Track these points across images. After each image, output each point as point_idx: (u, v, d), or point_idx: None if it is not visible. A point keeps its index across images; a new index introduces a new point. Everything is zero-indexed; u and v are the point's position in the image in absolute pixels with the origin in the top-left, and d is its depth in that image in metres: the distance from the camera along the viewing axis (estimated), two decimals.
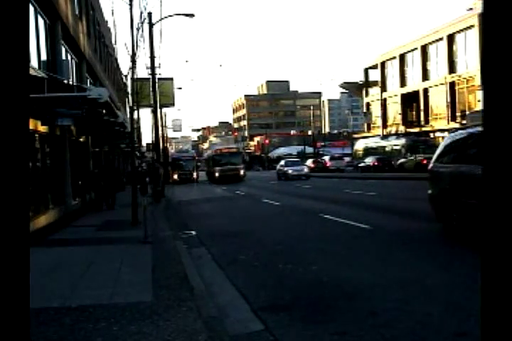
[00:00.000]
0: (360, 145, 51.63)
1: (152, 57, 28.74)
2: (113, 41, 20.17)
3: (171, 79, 46.20)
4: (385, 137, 47.85)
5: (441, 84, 44.30)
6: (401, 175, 34.78)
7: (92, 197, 22.01)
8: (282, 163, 47.12)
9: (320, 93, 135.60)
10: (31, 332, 4.73)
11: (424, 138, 43.52)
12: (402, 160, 40.07)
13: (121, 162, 44.90)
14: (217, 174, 46.11)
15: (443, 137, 45.23)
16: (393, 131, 52.16)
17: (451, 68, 43.39)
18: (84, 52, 21.31)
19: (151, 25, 27.33)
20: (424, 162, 35.83)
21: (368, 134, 57.25)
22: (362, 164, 45.28)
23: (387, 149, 44.21)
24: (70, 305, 6.10)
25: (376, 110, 56.35)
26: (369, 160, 43.79)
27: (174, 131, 70.08)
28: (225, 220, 15.95)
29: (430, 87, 46.85)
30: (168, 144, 64.09)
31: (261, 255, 9.49)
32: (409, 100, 49.94)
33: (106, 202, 20.34)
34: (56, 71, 15.89)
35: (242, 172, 46.67)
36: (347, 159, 55.32)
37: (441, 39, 44.53)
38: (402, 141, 42.49)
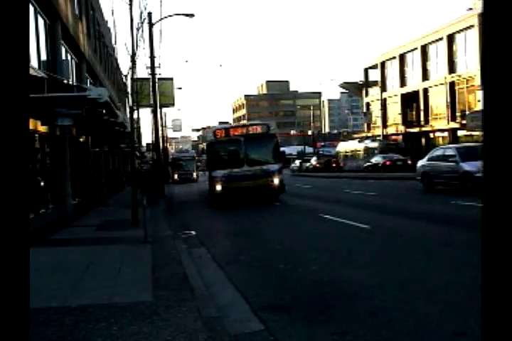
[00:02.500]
0: (341, 148, 55.44)
1: (152, 57, 28.75)
2: (113, 41, 20.18)
3: (171, 79, 46.21)
4: (361, 140, 51.84)
5: (441, 84, 44.27)
6: (397, 175, 35.21)
7: (90, 196, 22.02)
8: (449, 151, 20.25)
9: (320, 93, 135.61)
10: (31, 332, 4.73)
11: (395, 141, 48.58)
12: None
13: (122, 162, 44.88)
14: (218, 187, 20.10)
15: (443, 137, 45.64)
16: (393, 131, 52.22)
17: (451, 68, 43.36)
18: (84, 52, 21.31)
19: (151, 25, 27.34)
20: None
21: (368, 134, 57.34)
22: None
23: (363, 151, 48.45)
24: (69, 305, 6.10)
25: (376, 110, 56.32)
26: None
27: (174, 131, 70.05)
28: (224, 220, 15.94)
29: (430, 87, 46.81)
30: (168, 144, 64.13)
31: (261, 255, 9.49)
32: (409, 100, 49.90)
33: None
34: (56, 71, 15.90)
35: (276, 180, 20.30)
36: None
37: (441, 39, 44.49)
38: (376, 144, 46.81)
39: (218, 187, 19.98)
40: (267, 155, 20.93)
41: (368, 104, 59.73)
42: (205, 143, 24.75)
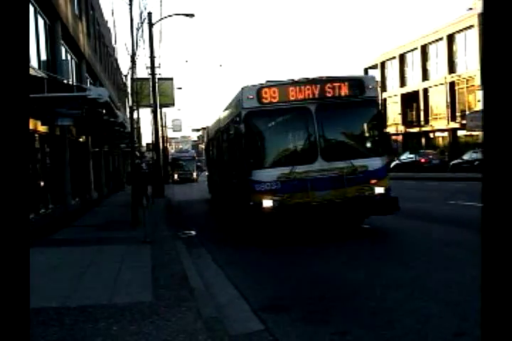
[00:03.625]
0: None
1: (152, 57, 28.74)
2: (113, 41, 20.20)
3: (171, 79, 46.14)
4: None
5: (441, 84, 44.29)
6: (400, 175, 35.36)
7: (90, 196, 22.04)
8: None
9: None
10: (31, 332, 4.73)
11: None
12: None
13: (122, 162, 44.89)
14: (266, 203, 10.16)
15: (443, 137, 45.66)
16: (393, 131, 52.27)
17: (451, 68, 43.38)
18: (84, 52, 21.32)
19: (151, 25, 27.34)
20: None
21: None
22: None
23: None
24: (69, 305, 6.10)
25: None
26: None
27: (174, 131, 70.10)
28: (224, 220, 15.93)
29: (430, 87, 46.82)
30: (168, 144, 64.16)
31: (261, 255, 9.49)
32: (409, 100, 49.93)
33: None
34: (56, 71, 15.91)
35: (380, 189, 10.46)
36: None
37: (441, 39, 44.50)
38: None
39: (267, 203, 10.28)
40: (362, 138, 11.41)
41: None
42: (236, 113, 11.51)
